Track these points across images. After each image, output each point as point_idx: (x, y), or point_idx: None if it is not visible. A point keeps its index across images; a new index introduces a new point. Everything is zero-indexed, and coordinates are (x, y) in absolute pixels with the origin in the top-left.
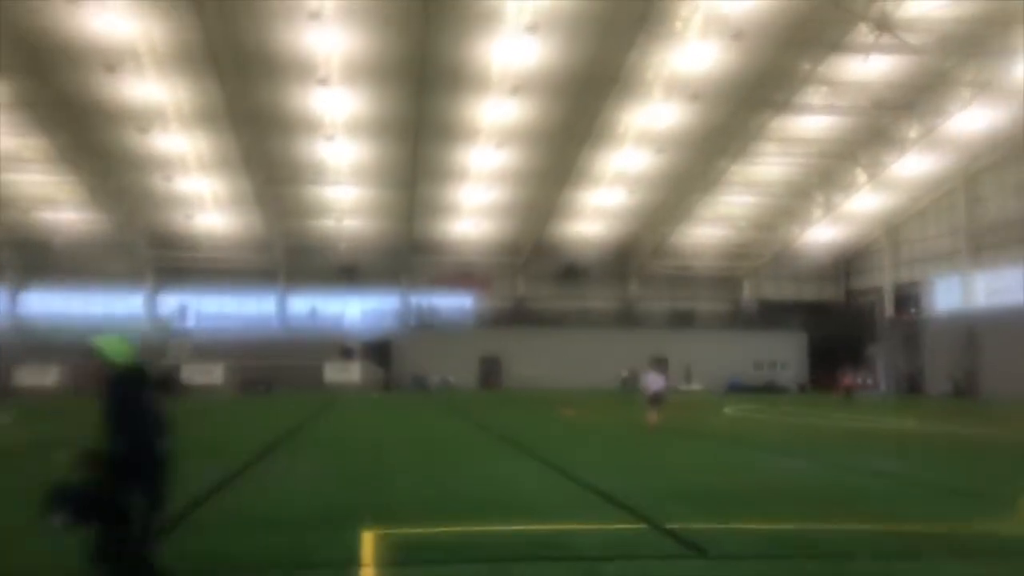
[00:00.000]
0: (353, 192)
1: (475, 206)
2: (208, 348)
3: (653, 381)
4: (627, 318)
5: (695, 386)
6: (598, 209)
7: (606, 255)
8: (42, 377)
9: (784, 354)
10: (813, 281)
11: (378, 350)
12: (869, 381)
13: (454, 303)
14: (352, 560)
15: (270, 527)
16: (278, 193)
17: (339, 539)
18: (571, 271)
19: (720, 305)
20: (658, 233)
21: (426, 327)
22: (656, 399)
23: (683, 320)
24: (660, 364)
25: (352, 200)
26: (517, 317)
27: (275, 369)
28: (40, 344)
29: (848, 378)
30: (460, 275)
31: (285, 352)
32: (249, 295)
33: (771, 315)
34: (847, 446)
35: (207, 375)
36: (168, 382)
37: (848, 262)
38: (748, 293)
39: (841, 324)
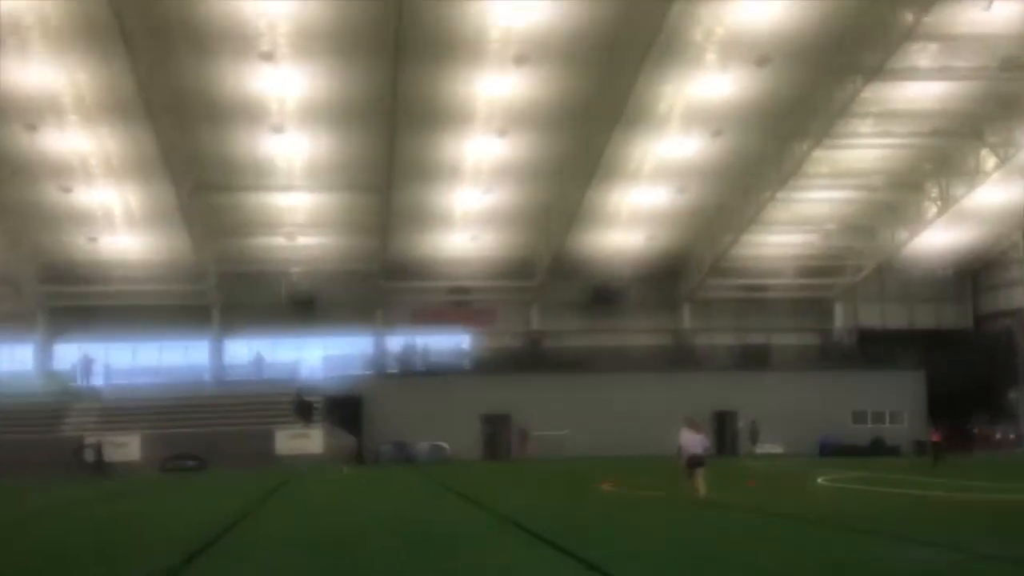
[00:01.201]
0: (309, 199)
1: (471, 213)
2: (121, 413)
3: (690, 442)
4: (679, 358)
5: (770, 447)
6: (636, 213)
7: (649, 274)
8: None
9: (894, 402)
10: (929, 303)
11: (346, 410)
12: (1011, 435)
13: (446, 344)
14: None
15: None
16: (210, 203)
17: None
18: (602, 297)
19: (805, 338)
20: (718, 243)
21: (410, 377)
22: (695, 463)
23: (755, 359)
24: (697, 421)
25: (308, 210)
26: (531, 361)
27: (209, 439)
28: None
29: (937, 434)
30: (453, 306)
31: (222, 415)
32: (174, 340)
33: (874, 349)
34: (992, 528)
35: (120, 449)
36: (96, 457)
37: (976, 276)
38: (842, 321)
39: (969, 359)
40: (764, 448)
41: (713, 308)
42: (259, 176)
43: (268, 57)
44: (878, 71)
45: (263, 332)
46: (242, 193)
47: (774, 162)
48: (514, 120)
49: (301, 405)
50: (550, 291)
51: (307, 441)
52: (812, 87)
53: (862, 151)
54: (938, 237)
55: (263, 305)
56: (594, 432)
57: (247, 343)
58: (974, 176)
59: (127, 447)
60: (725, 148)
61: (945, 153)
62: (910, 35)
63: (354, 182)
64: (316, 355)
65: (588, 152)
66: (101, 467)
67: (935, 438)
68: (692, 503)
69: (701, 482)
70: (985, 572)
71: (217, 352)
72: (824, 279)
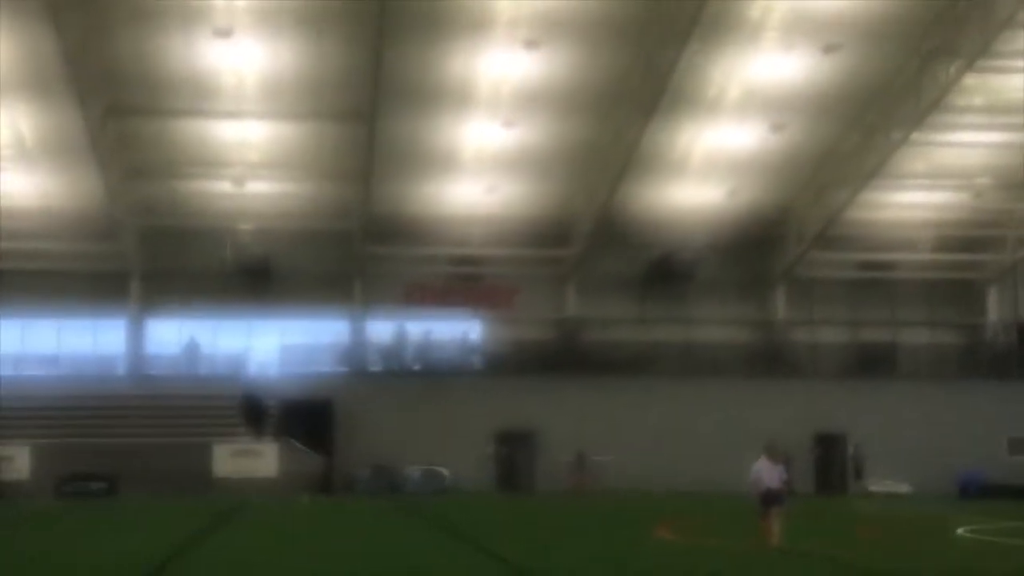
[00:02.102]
0: (265, 131)
1: (487, 154)
2: (4, 416)
3: (768, 473)
4: (769, 361)
5: (890, 484)
6: (715, 157)
7: (730, 244)
8: None
9: None
10: None
11: (311, 420)
12: None
13: (448, 334)
14: None
15: None
16: (131, 133)
17: None
18: (664, 274)
19: (944, 335)
20: (827, 202)
21: (398, 378)
22: (771, 499)
23: (874, 364)
24: (777, 448)
25: (263, 145)
26: (564, 359)
27: (123, 453)
28: None
29: None
30: (459, 282)
31: (142, 422)
32: (78, 318)
33: None
34: None
35: (3, 464)
36: None
37: None
38: (997, 312)
39: None
40: (882, 485)
41: (817, 292)
42: (197, 97)
43: None
44: None
45: (199, 311)
46: (174, 120)
47: (909, 90)
48: (548, 28)
49: (251, 409)
50: (593, 265)
51: (257, 460)
52: None
53: None
54: None
55: (200, 274)
56: (649, 458)
57: (177, 325)
58: None
59: (12, 462)
60: (840, 69)
61: None
62: None
63: (327, 107)
64: (271, 344)
65: (649, 73)
66: None
67: None
68: (769, 554)
69: (777, 526)
70: None
71: (136, 336)
72: (974, 255)
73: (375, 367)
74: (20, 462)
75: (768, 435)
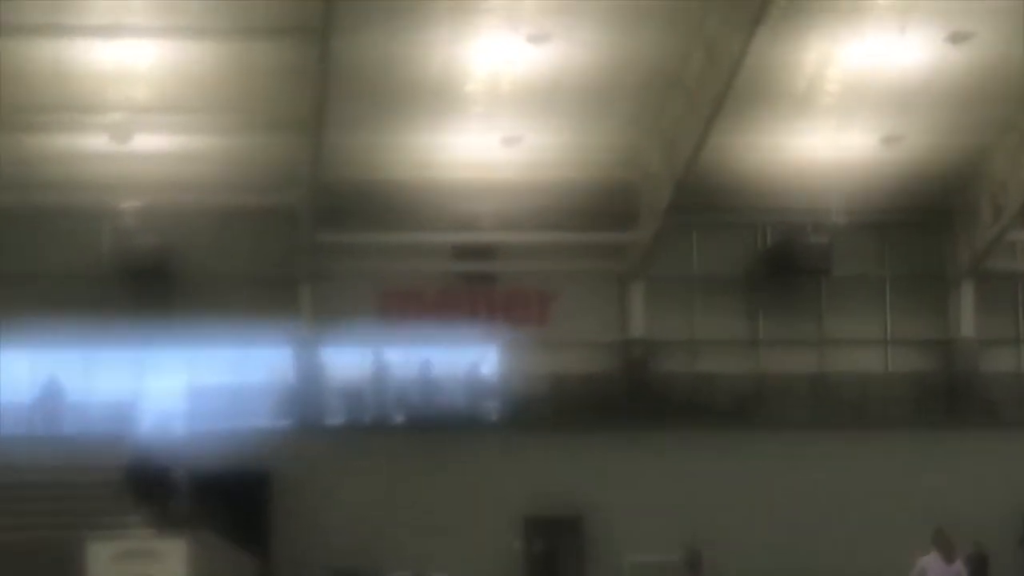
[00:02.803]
0: (160, 53)
1: (502, 82)
2: None
3: (938, 575)
4: (953, 400)
5: None
6: (860, 83)
7: (885, 221)
8: None
9: None
10: None
11: (238, 500)
12: None
13: (447, 363)
14: None
15: None
16: None
17: None
18: (784, 268)
19: None
20: None
21: (370, 437)
22: None
23: None
24: (950, 539)
25: (158, 75)
26: (631, 402)
27: None
28: None
29: None
30: (463, 285)
31: None
32: None
33: None
34: None
35: None
36: None
37: None
38: None
39: None
40: None
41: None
42: (56, 3)
43: None
44: None
45: (62, 334)
46: (21, 38)
47: None
48: None
49: (145, 486)
50: (672, 256)
51: (154, 564)
52: None
53: None
54: None
55: (63, 277)
56: (767, 552)
57: (28, 356)
58: None
59: None
60: None
61: None
62: None
63: (256, 18)
64: (174, 385)
65: None
66: None
67: None
68: None
69: None
70: None
71: None
72: None
73: (335, 419)
74: None
75: (945, 517)
